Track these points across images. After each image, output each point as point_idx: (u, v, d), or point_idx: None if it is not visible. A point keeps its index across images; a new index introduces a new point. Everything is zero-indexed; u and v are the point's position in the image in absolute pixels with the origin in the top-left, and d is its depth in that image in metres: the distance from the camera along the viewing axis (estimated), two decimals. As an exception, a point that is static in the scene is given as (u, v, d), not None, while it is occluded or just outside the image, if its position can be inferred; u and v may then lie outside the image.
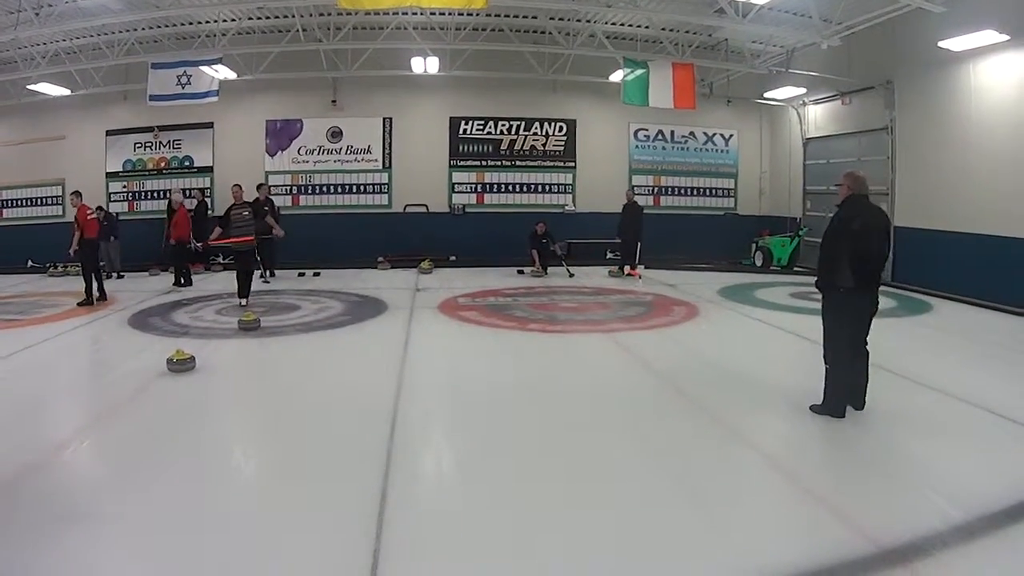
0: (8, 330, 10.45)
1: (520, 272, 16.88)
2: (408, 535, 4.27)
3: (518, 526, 4.41)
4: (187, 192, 18.38)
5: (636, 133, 20.62)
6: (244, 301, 11.87)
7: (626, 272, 16.58)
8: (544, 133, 20.20)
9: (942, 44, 12.71)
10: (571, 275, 16.31)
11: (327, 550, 4.08)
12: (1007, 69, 12.31)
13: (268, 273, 15.76)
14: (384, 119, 19.63)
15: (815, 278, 6.51)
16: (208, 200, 18.59)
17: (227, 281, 14.32)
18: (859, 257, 6.10)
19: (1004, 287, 12.10)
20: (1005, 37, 11.86)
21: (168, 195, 17.96)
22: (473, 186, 20.13)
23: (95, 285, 12.46)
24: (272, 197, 17.17)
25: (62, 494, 4.82)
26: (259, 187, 15.78)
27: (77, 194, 13.09)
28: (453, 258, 18.79)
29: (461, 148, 20.00)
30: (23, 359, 8.65)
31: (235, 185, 12.65)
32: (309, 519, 4.46)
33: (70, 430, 6.26)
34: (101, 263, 13.58)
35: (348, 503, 4.68)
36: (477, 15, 15.87)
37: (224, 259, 16.98)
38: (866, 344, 6.36)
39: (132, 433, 6.12)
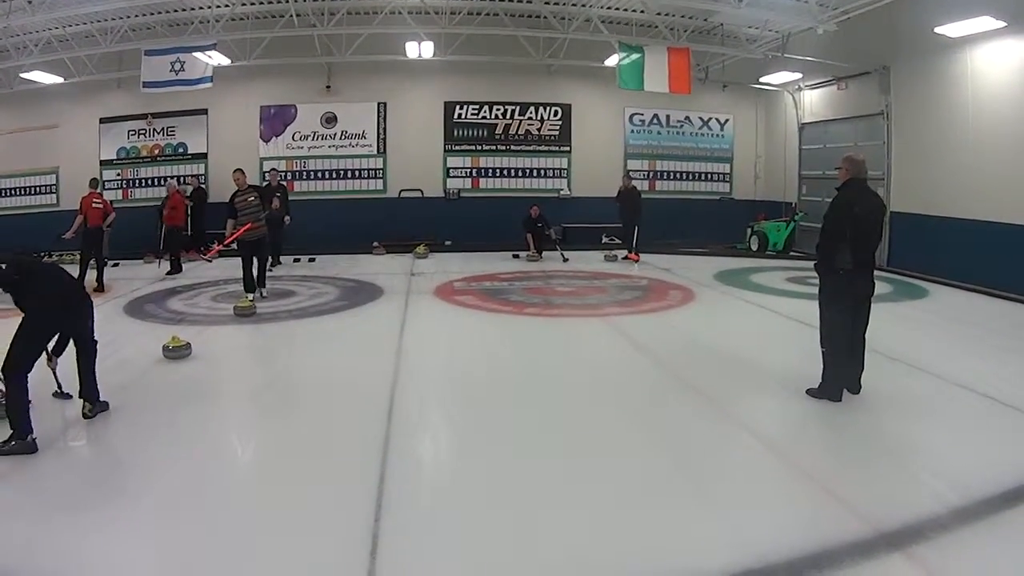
0: (2, 319, 10.40)
1: (516, 256, 16.87)
2: (407, 517, 4.31)
3: (517, 509, 4.46)
4: (183, 179, 18.31)
5: (631, 117, 20.57)
6: (261, 293, 11.29)
7: (621, 257, 16.59)
8: (539, 118, 20.14)
9: (939, 30, 12.68)
10: (565, 259, 16.30)
11: (326, 532, 4.12)
12: (1003, 55, 12.29)
13: (273, 261, 15.30)
14: (379, 104, 19.54)
15: (815, 261, 6.52)
16: (204, 187, 18.50)
17: (222, 268, 14.30)
18: (859, 240, 6.13)
19: (1000, 273, 12.12)
20: (1002, 23, 11.83)
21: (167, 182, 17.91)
22: (468, 171, 20.08)
23: (94, 275, 12.37)
24: (283, 183, 17.14)
25: (63, 481, 4.85)
26: (271, 172, 15.69)
27: (94, 181, 13.03)
28: (448, 243, 18.79)
29: (456, 133, 19.94)
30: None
31: (236, 170, 11.86)
32: (308, 503, 4.50)
33: (68, 418, 6.25)
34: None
35: (346, 487, 4.72)
36: (471, -1, 15.85)
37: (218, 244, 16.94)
38: (865, 333, 6.38)
39: (129, 420, 6.12)
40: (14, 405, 5.37)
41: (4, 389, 5.59)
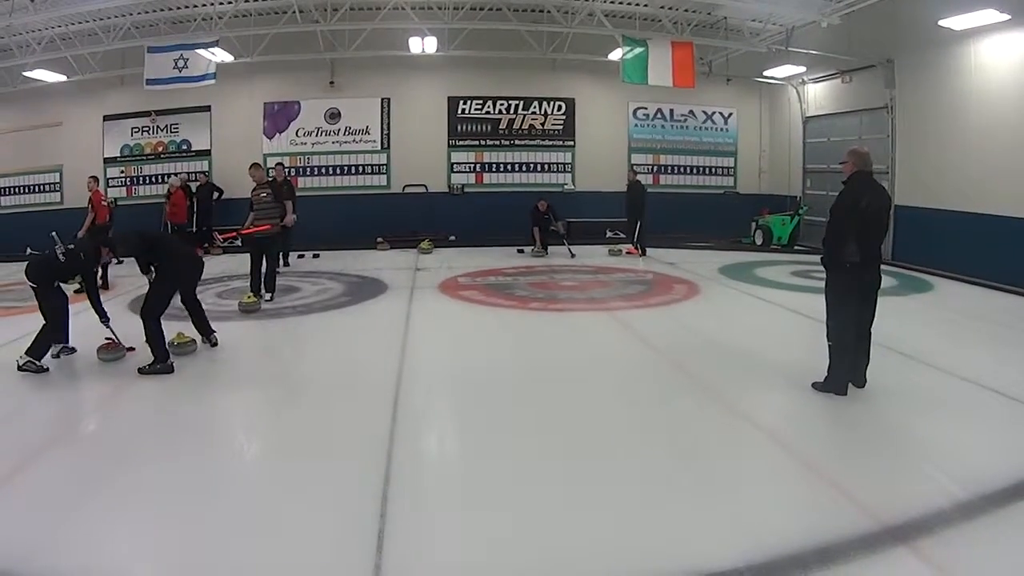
0: (8, 317, 10.45)
1: (520, 252, 16.87)
2: (412, 513, 4.32)
3: (522, 505, 4.45)
4: (192, 176, 18.39)
5: (635, 112, 20.54)
6: (264, 297, 10.95)
7: (626, 251, 16.58)
8: (543, 112, 20.12)
9: (942, 23, 12.63)
10: (572, 255, 16.28)
11: (332, 528, 4.13)
12: (1008, 48, 12.26)
13: (283, 262, 14.81)
14: (382, 100, 19.53)
15: (821, 255, 6.50)
16: (213, 182, 18.44)
17: (226, 264, 14.31)
18: (866, 234, 6.11)
19: (1005, 266, 12.09)
20: (1006, 16, 11.77)
21: (169, 179, 17.97)
22: (472, 166, 20.08)
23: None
24: (289, 179, 16.38)
25: (62, 478, 4.86)
26: (276, 167, 15.44)
27: (94, 179, 13.03)
28: (453, 238, 18.79)
29: (460, 128, 19.94)
30: (24, 346, 8.64)
31: (253, 165, 11.62)
32: (313, 499, 4.52)
33: (74, 415, 6.28)
34: None
35: (351, 483, 4.74)
36: (475, -6, 15.82)
37: (223, 243, 16.94)
38: (871, 326, 6.37)
39: (135, 414, 6.17)
40: (154, 339, 7.32)
41: (145, 328, 7.36)
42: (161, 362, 7.29)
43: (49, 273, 7.62)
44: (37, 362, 7.32)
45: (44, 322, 7.49)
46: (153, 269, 7.79)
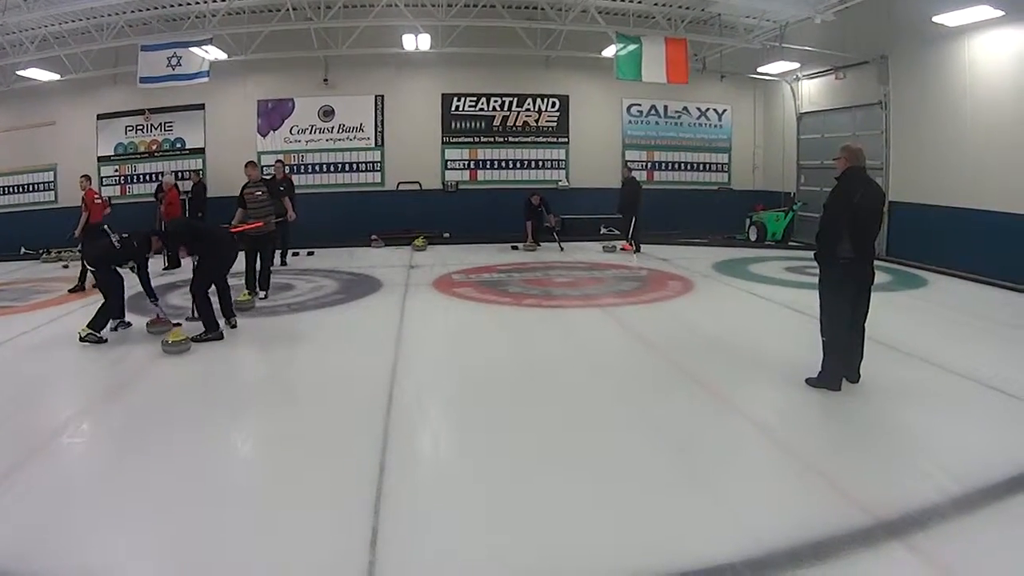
0: (2, 316, 10.42)
1: (515, 248, 16.88)
2: (406, 509, 4.33)
3: (516, 501, 4.46)
4: (182, 175, 18.37)
5: (629, 108, 20.53)
6: (259, 295, 11.01)
7: (620, 248, 16.59)
8: (537, 109, 20.10)
9: (936, 19, 12.65)
10: (561, 249, 16.39)
11: (326, 524, 4.13)
12: (1001, 44, 12.27)
13: (281, 260, 14.73)
14: (376, 97, 19.50)
15: (815, 251, 6.51)
16: (204, 182, 18.33)
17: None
18: (859, 229, 6.13)
19: (999, 262, 12.12)
20: (1000, 12, 11.79)
21: (160, 178, 17.94)
22: (466, 163, 20.06)
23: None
24: (291, 176, 16.37)
25: (65, 474, 4.87)
26: (276, 164, 15.41)
27: (86, 177, 12.97)
28: (447, 235, 18.79)
29: (453, 125, 19.91)
30: (19, 345, 8.64)
31: (249, 163, 11.65)
32: (308, 496, 4.52)
33: (70, 413, 6.28)
34: None
35: (345, 479, 4.74)
36: (468, -9, 15.80)
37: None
38: (864, 322, 6.39)
39: (132, 414, 6.15)
40: (204, 312, 8.50)
41: (195, 303, 8.68)
42: (211, 331, 8.50)
43: (105, 258, 8.78)
44: (97, 334, 8.38)
45: (103, 300, 8.59)
46: (196, 256, 8.87)
